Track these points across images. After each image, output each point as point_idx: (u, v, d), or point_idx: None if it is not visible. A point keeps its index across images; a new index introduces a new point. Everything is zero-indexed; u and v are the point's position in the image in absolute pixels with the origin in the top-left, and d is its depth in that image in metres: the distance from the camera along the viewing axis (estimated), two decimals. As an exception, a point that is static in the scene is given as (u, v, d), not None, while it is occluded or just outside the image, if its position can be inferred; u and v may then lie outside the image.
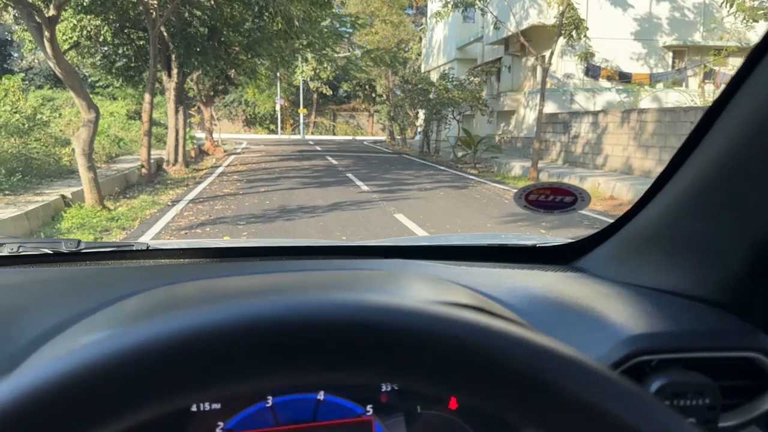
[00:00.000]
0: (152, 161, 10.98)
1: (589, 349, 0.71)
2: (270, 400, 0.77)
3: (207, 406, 0.76)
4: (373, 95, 29.54)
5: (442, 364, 0.30)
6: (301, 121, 32.70)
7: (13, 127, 9.85)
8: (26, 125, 10.23)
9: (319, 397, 0.78)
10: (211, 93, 17.64)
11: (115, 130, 15.42)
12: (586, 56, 14.66)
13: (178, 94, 12.79)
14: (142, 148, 10.69)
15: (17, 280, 0.92)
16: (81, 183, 7.40)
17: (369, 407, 0.79)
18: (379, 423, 0.79)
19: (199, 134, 19.87)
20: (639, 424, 0.29)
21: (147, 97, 10.64)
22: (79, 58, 13.33)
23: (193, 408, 0.75)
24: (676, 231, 0.78)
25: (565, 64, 16.15)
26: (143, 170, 10.52)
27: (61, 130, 12.79)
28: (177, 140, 12.77)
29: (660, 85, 15.59)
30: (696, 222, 0.75)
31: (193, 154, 15.98)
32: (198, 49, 12.32)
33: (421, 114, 20.32)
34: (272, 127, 35.20)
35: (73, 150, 8.09)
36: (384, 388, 0.80)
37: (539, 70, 13.44)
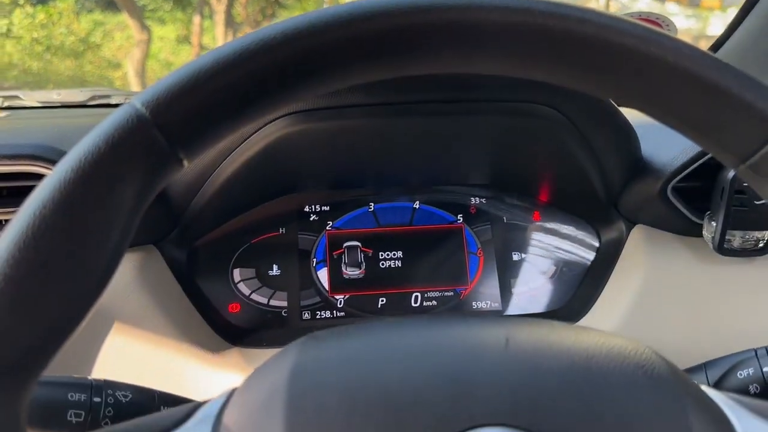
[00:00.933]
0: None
1: None
2: (372, 206, 0.86)
3: (318, 207, 0.85)
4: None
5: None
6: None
7: (68, 49, 10.05)
8: (80, 47, 10.42)
9: (414, 206, 0.87)
10: (260, 18, 17.51)
11: (165, 55, 15.53)
12: (650, -22, 13.90)
13: (226, 17, 12.74)
14: (193, 70, 10.76)
15: None
16: (135, 104, 7.55)
17: (459, 216, 0.87)
18: (469, 230, 0.87)
19: (247, 61, 19.80)
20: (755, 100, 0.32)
21: (196, 19, 10.67)
22: (129, -20, 13.32)
23: (306, 209, 0.85)
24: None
25: (626, -13, 15.35)
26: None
27: (113, 54, 12.97)
28: (226, 64, 12.76)
29: (732, 10, 14.70)
30: None
31: (241, 79, 15.98)
32: (247, -30, 12.18)
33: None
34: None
35: (125, 73, 8.25)
36: (473, 201, 0.88)
37: (597, -8, 12.84)
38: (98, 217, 0.28)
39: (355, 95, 0.65)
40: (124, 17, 7.93)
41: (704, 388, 0.33)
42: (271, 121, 0.64)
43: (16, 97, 1.14)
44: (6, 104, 1.14)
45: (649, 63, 0.32)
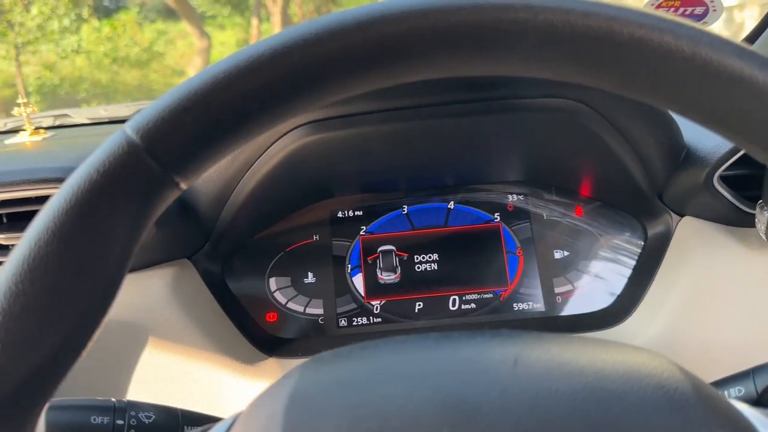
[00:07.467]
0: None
1: None
2: (405, 209, 0.85)
3: (351, 212, 0.85)
4: None
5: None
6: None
7: (134, 60, 10.47)
8: (145, 57, 10.83)
9: (449, 206, 0.85)
10: (316, 16, 17.68)
11: (226, 59, 15.89)
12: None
13: (283, 17, 12.95)
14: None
15: None
16: (199, 110, 7.81)
17: (496, 215, 0.85)
18: (507, 229, 0.84)
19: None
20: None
21: (254, 21, 10.91)
22: (188, -12, 13.71)
23: (339, 214, 0.85)
24: None
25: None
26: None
27: (176, 62, 13.41)
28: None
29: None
30: None
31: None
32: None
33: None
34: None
35: (189, 79, 8.51)
36: (510, 199, 0.85)
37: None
38: (93, 246, 0.28)
39: (366, 101, 0.63)
40: (185, 25, 8.17)
41: (741, 406, 0.30)
42: (285, 133, 0.64)
43: (66, 116, 1.19)
44: (57, 123, 1.19)
45: (663, 54, 0.29)
